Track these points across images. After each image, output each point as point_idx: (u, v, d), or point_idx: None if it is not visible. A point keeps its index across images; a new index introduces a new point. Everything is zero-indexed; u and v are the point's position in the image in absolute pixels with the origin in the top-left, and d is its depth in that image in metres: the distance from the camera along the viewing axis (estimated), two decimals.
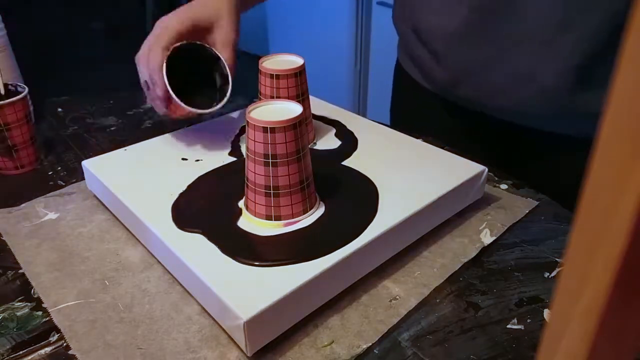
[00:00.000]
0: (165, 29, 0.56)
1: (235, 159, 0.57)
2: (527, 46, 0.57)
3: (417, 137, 0.63)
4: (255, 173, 0.44)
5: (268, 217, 0.45)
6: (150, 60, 0.55)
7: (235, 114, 0.68)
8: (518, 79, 0.60)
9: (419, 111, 0.77)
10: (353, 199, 0.49)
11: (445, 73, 0.67)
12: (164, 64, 0.54)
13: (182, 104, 0.55)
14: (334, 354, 0.39)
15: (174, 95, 0.55)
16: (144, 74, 0.57)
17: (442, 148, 0.59)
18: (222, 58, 0.58)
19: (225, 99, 0.58)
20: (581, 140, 0.49)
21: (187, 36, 0.57)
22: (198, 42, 0.58)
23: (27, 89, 0.61)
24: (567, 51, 0.55)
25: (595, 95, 0.57)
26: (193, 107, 0.56)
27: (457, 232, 0.51)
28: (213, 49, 0.58)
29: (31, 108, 0.63)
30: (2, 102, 0.58)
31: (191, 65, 0.58)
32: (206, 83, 0.61)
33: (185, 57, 0.57)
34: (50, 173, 0.63)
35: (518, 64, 0.59)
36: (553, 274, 0.47)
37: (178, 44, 0.56)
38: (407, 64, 0.76)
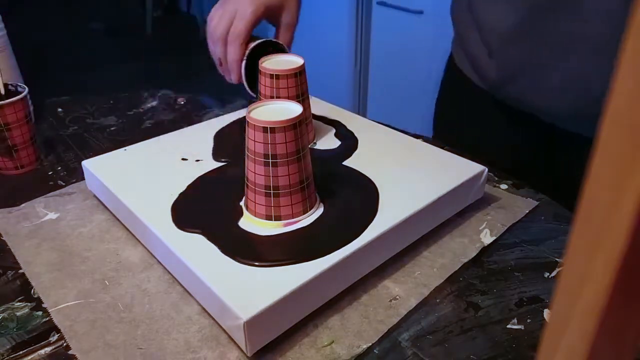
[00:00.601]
0: (243, 21, 0.62)
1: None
2: (584, 47, 0.55)
3: (418, 137, 0.63)
4: (255, 173, 0.44)
5: (268, 217, 0.45)
6: (230, 53, 0.63)
7: (235, 114, 0.68)
8: (572, 81, 0.58)
9: (466, 108, 0.76)
10: (353, 199, 0.49)
11: (497, 69, 0.65)
12: (244, 61, 0.63)
13: (252, 93, 0.65)
14: (334, 354, 0.39)
15: (247, 88, 0.65)
16: (217, 52, 0.65)
17: (442, 148, 0.59)
18: (287, 50, 0.66)
19: None
20: None
21: (261, 20, 0.65)
22: (272, 39, 0.65)
23: (27, 89, 0.61)
24: None
25: None
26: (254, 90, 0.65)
27: (457, 232, 0.51)
28: (280, 42, 0.66)
29: (31, 108, 0.63)
30: (2, 102, 0.58)
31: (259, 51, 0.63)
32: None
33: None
34: (50, 173, 0.63)
35: (574, 65, 0.57)
36: (553, 274, 0.47)
37: (255, 43, 0.63)
38: (460, 58, 0.75)
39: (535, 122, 0.65)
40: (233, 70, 0.64)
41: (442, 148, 0.59)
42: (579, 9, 0.54)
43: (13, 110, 0.59)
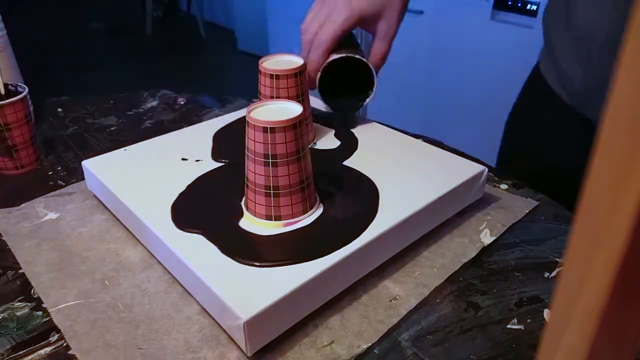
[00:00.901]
0: (331, 29, 0.59)
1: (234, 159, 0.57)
2: None
3: (418, 137, 0.63)
4: (255, 173, 0.44)
5: (268, 217, 0.45)
6: (311, 61, 0.60)
7: (235, 114, 0.68)
8: None
9: (549, 123, 0.70)
10: (353, 199, 0.49)
11: (590, 82, 0.59)
12: (320, 72, 0.60)
13: (326, 104, 0.64)
14: (334, 354, 0.39)
15: (322, 100, 0.63)
16: (305, 51, 0.62)
17: (442, 148, 0.59)
18: (371, 68, 0.61)
19: (366, 102, 0.63)
20: None
21: (353, 28, 0.61)
22: (356, 57, 0.60)
23: (27, 89, 0.61)
24: None
25: None
26: (334, 103, 0.64)
27: (457, 232, 0.51)
28: (367, 60, 0.61)
29: (31, 108, 0.63)
30: (2, 102, 0.58)
31: (345, 64, 0.61)
32: (353, 81, 0.64)
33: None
34: (50, 173, 0.63)
35: None
36: (553, 274, 0.47)
37: (333, 58, 0.60)
38: (547, 68, 0.69)
39: None
40: (310, 78, 0.61)
41: (442, 148, 0.59)
42: None
43: (13, 110, 0.59)
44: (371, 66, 0.61)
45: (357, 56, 0.60)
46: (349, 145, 0.60)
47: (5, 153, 0.61)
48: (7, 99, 0.59)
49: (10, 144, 0.60)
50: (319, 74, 0.60)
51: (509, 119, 0.78)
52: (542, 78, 0.69)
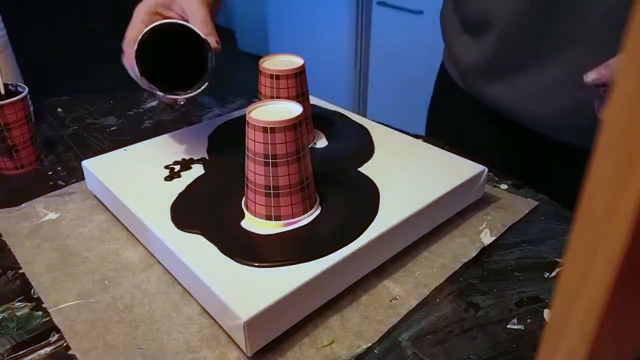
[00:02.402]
0: (136, 17, 0.51)
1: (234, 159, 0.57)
2: (580, 47, 0.53)
3: (418, 137, 0.63)
4: (255, 173, 0.44)
5: (268, 217, 0.45)
6: (126, 56, 0.51)
7: (235, 114, 0.68)
8: (564, 84, 0.55)
9: (458, 113, 0.75)
10: (353, 199, 0.49)
11: (486, 64, 0.62)
12: (134, 56, 0.49)
13: (157, 92, 0.51)
14: (334, 354, 0.39)
15: (146, 83, 0.50)
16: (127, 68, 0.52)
17: (442, 148, 0.59)
18: (201, 35, 0.50)
19: (204, 85, 0.51)
20: None
21: (158, 16, 0.52)
22: (169, 21, 0.50)
23: (27, 89, 0.61)
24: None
25: None
26: (177, 92, 0.52)
27: (457, 232, 0.51)
28: (187, 23, 0.50)
29: (31, 108, 0.63)
30: (2, 102, 0.58)
31: (180, 48, 0.52)
32: (195, 65, 0.53)
33: (174, 38, 0.50)
34: (50, 173, 0.63)
35: (566, 65, 0.54)
36: (553, 274, 0.47)
37: (143, 33, 0.49)
38: (449, 62, 0.74)
39: (525, 131, 0.64)
40: (136, 75, 0.51)
41: (442, 148, 0.59)
42: (577, 3, 0.51)
43: (13, 110, 0.59)
44: (200, 32, 0.49)
45: (178, 22, 0.50)
46: (349, 145, 0.60)
47: (5, 153, 0.61)
48: (7, 99, 0.59)
49: (10, 144, 0.60)
50: (134, 46, 0.49)
51: (429, 113, 0.84)
52: (445, 69, 0.76)
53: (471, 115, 0.72)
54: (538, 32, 0.56)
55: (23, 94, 0.60)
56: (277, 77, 0.55)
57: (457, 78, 0.72)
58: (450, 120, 0.78)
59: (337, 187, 0.51)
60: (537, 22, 0.55)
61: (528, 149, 0.67)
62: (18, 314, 0.42)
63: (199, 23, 0.50)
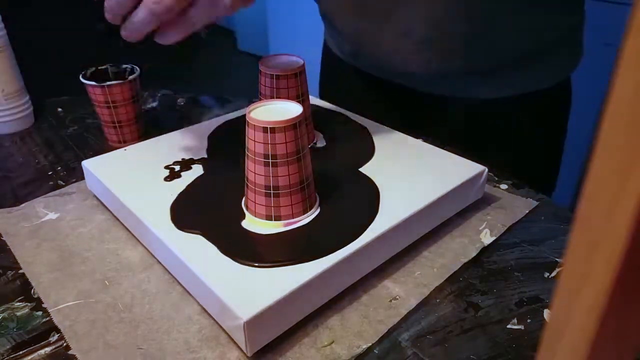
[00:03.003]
0: None
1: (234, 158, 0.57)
2: (408, 4, 0.61)
3: (417, 137, 0.63)
4: (255, 173, 0.44)
5: (268, 217, 0.45)
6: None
7: (235, 114, 0.68)
8: (402, 38, 0.64)
9: (342, 84, 0.83)
10: (353, 198, 0.49)
11: (346, 43, 0.71)
12: None
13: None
14: (334, 354, 0.39)
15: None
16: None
17: (442, 148, 0.59)
18: None
19: None
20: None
21: None
22: None
23: (137, 72, 0.67)
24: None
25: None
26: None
27: (457, 232, 0.51)
28: None
29: (139, 89, 0.69)
30: (110, 82, 0.64)
31: None
32: None
33: None
34: (50, 173, 0.63)
35: (400, 21, 0.63)
36: (553, 274, 0.47)
37: None
38: (328, 38, 0.82)
39: (401, 89, 0.72)
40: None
41: (442, 148, 0.59)
42: None
43: (120, 90, 0.65)
44: None
45: None
46: (349, 145, 0.60)
47: (111, 127, 0.68)
48: (116, 79, 0.65)
49: (116, 119, 0.67)
50: None
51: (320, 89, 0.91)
52: (329, 49, 0.83)
53: (353, 81, 0.80)
54: None
55: (131, 77, 0.65)
56: (277, 77, 0.55)
57: (333, 46, 0.80)
58: (337, 90, 0.85)
59: (337, 187, 0.51)
60: None
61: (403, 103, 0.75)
62: (18, 314, 0.42)
63: None
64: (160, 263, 0.47)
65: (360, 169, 0.54)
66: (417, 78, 0.69)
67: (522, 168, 0.66)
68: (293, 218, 0.46)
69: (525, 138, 0.72)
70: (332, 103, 0.67)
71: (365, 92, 0.79)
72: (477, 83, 0.68)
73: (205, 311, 0.42)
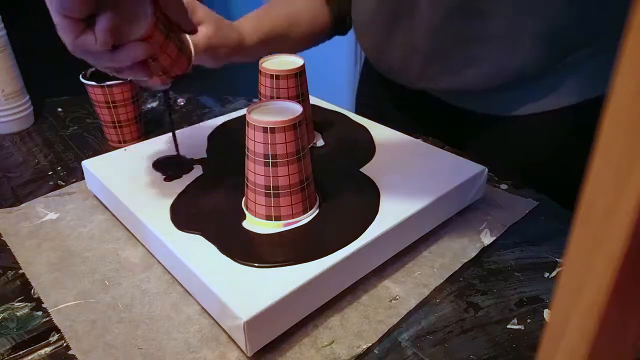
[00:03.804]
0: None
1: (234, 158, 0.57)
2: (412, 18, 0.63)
3: (417, 137, 0.63)
4: (255, 173, 0.44)
5: (268, 218, 0.45)
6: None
7: (235, 114, 0.68)
8: (410, 52, 0.66)
9: (384, 99, 0.83)
10: (353, 199, 0.49)
11: (379, 61, 0.72)
12: None
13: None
14: (334, 354, 0.39)
15: None
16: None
17: (442, 148, 0.59)
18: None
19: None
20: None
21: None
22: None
23: None
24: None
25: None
26: None
27: (457, 232, 0.51)
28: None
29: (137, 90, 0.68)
30: (110, 82, 0.64)
31: None
32: None
33: None
34: (50, 173, 0.63)
35: (404, 36, 0.65)
36: (553, 274, 0.47)
37: None
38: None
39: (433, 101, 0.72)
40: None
41: (442, 148, 0.59)
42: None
43: (120, 91, 0.65)
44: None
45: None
46: (349, 145, 0.60)
47: (111, 127, 0.67)
48: (116, 79, 0.64)
49: (116, 119, 0.67)
50: None
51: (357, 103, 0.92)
52: (371, 66, 0.81)
53: (392, 96, 0.80)
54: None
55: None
56: (277, 77, 0.55)
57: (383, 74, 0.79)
58: (374, 100, 0.86)
59: (337, 187, 0.51)
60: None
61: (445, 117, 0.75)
62: (18, 314, 0.42)
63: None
64: (160, 263, 0.47)
65: (361, 169, 0.54)
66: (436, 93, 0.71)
67: (542, 179, 0.63)
68: (293, 218, 0.46)
69: (553, 154, 0.68)
70: (367, 115, 0.68)
71: (392, 101, 0.80)
72: (501, 98, 0.66)
73: (205, 311, 0.42)
